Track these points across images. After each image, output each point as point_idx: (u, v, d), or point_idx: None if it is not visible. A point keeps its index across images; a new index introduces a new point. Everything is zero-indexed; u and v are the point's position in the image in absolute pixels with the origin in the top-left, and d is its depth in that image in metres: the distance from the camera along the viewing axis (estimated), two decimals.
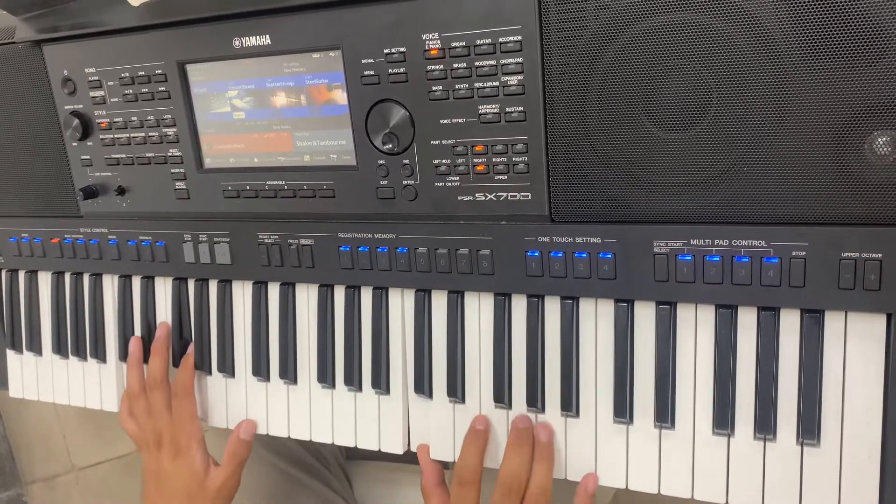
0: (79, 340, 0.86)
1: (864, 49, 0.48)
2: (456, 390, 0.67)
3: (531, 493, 0.62)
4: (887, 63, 0.47)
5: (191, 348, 0.79)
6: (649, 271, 0.58)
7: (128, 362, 0.81)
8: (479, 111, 0.59)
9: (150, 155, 0.73)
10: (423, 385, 0.68)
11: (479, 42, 0.57)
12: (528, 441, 0.63)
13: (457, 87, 0.59)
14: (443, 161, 0.62)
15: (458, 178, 0.62)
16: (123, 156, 0.75)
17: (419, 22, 0.58)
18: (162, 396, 0.77)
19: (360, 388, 0.71)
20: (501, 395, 0.65)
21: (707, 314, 0.58)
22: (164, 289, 0.80)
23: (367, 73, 0.62)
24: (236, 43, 0.65)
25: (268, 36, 0.64)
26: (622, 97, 0.54)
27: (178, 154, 0.72)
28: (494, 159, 0.60)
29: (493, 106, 0.59)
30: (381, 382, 0.70)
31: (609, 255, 0.59)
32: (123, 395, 0.81)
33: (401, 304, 0.69)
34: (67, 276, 0.85)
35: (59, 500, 1.79)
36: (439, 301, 0.67)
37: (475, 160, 0.61)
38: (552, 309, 0.63)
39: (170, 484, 0.75)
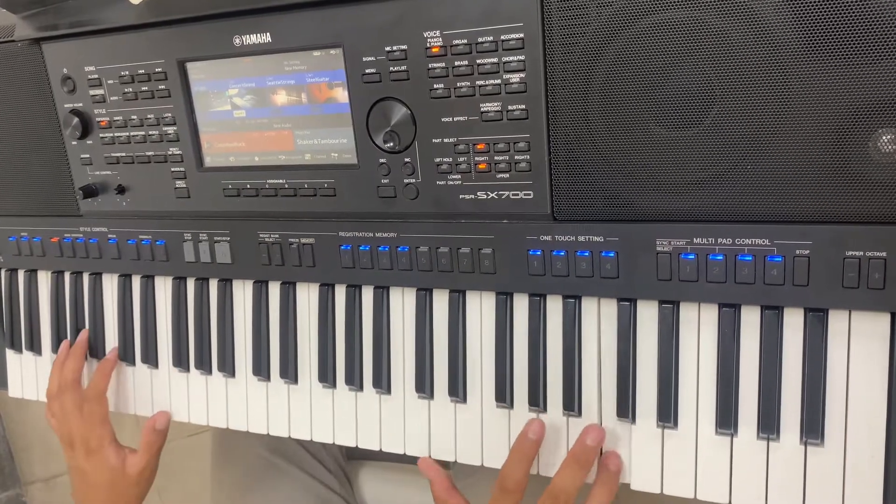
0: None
1: (869, 46, 0.47)
2: (457, 390, 0.66)
3: None
4: (892, 60, 0.47)
5: (111, 353, 0.82)
6: (652, 270, 0.58)
7: (53, 364, 0.84)
8: (481, 109, 0.59)
9: (150, 153, 0.73)
10: (424, 385, 0.68)
11: (480, 40, 0.57)
12: (590, 462, 0.60)
13: (458, 85, 0.59)
14: (444, 159, 0.62)
15: (459, 176, 0.62)
16: (123, 154, 0.74)
17: (420, 19, 0.58)
18: (72, 399, 0.80)
19: (360, 388, 0.71)
20: (503, 395, 0.65)
21: (710, 313, 0.58)
22: (164, 288, 0.80)
23: (368, 71, 0.61)
24: (237, 41, 0.65)
25: (268, 34, 0.64)
26: (625, 95, 0.54)
27: (178, 153, 0.72)
28: (496, 158, 0.60)
29: (495, 104, 0.58)
30: (383, 382, 0.70)
31: (611, 254, 0.59)
32: (47, 394, 0.84)
33: (402, 303, 0.69)
34: (67, 276, 0.85)
35: (58, 501, 1.79)
36: (441, 300, 0.67)
37: (477, 158, 0.61)
38: (554, 308, 0.63)
39: (91, 478, 0.80)
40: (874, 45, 0.47)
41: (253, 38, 0.64)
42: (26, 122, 0.78)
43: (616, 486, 0.61)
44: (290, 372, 0.74)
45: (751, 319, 0.57)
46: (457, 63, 0.58)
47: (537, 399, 0.64)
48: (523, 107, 0.57)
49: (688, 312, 0.59)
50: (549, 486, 0.60)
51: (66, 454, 0.82)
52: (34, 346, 0.88)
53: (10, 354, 0.91)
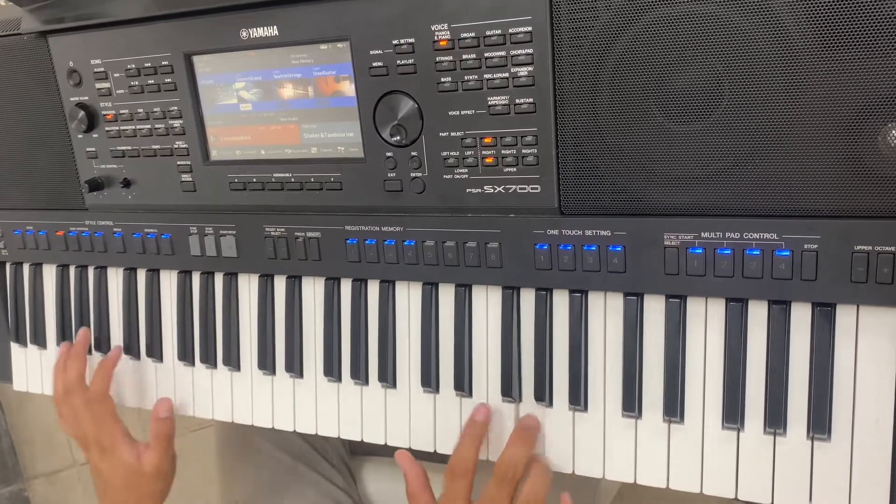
0: None
1: (879, 40, 0.47)
2: (463, 384, 0.66)
3: (525, 496, 0.62)
4: None
5: (112, 352, 0.81)
6: (659, 264, 0.58)
7: (55, 367, 0.82)
8: (489, 103, 0.59)
9: (155, 147, 0.73)
10: (429, 379, 0.68)
11: (488, 33, 0.57)
12: (531, 441, 0.63)
13: (466, 78, 0.59)
14: (451, 153, 0.61)
15: (466, 170, 0.62)
16: (129, 148, 0.74)
17: (428, 13, 0.58)
18: (80, 399, 0.79)
19: (366, 382, 0.71)
20: (509, 389, 0.65)
21: (717, 308, 0.58)
22: (169, 282, 0.80)
23: (375, 64, 0.61)
24: (244, 34, 0.65)
25: (275, 27, 0.64)
26: (633, 88, 0.54)
27: (184, 146, 0.72)
28: (503, 151, 0.60)
29: (503, 98, 0.58)
30: (388, 376, 0.70)
31: (619, 248, 0.58)
32: (54, 399, 0.83)
33: (408, 297, 0.69)
34: (72, 269, 0.85)
35: (60, 496, 1.79)
36: (447, 294, 0.67)
37: (484, 152, 0.60)
38: (561, 302, 0.63)
39: (108, 479, 0.79)
40: (885, 39, 0.47)
41: (260, 32, 0.64)
42: (32, 116, 0.78)
43: (548, 468, 0.63)
44: (295, 366, 0.74)
45: (758, 314, 0.57)
46: (464, 56, 0.58)
47: (543, 394, 0.64)
48: (531, 100, 0.57)
49: (695, 307, 0.59)
50: (496, 464, 0.63)
51: (86, 456, 0.81)
52: (39, 340, 0.88)
53: (14, 348, 0.91)
